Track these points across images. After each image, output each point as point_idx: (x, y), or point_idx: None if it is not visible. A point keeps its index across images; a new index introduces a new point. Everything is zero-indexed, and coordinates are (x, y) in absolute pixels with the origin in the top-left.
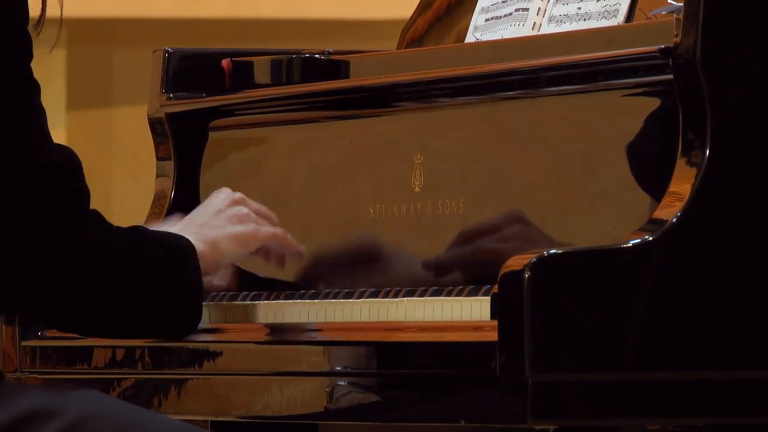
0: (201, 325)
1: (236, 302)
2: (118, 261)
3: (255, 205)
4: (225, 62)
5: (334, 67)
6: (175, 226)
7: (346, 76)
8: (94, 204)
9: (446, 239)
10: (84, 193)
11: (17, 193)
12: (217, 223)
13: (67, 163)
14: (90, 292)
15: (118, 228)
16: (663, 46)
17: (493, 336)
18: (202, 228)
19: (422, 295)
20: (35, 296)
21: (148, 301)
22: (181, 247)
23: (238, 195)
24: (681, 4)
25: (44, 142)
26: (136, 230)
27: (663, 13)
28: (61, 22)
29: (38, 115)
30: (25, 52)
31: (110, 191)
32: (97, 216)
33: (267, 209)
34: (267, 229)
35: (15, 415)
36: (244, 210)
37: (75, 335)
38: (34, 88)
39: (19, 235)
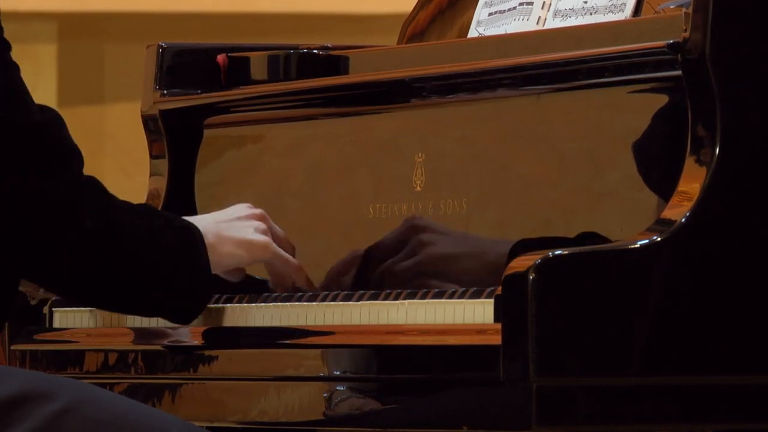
0: (197, 328)
1: (232, 304)
2: (121, 219)
3: (277, 228)
4: (220, 58)
5: (333, 62)
6: (189, 218)
7: (346, 72)
8: None
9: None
10: (77, 151)
11: (9, 154)
12: (234, 225)
13: (56, 121)
14: (91, 248)
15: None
16: (671, 42)
17: (496, 339)
18: (217, 224)
19: (423, 297)
20: (37, 254)
21: (153, 265)
22: (188, 228)
23: (259, 211)
24: None
25: (29, 101)
26: (138, 204)
27: (671, 7)
28: None
29: (16, 73)
30: None
31: None
32: (94, 180)
33: (287, 238)
34: (282, 252)
35: (7, 396)
36: (263, 225)
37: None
38: (4, 45)
39: (15, 196)
